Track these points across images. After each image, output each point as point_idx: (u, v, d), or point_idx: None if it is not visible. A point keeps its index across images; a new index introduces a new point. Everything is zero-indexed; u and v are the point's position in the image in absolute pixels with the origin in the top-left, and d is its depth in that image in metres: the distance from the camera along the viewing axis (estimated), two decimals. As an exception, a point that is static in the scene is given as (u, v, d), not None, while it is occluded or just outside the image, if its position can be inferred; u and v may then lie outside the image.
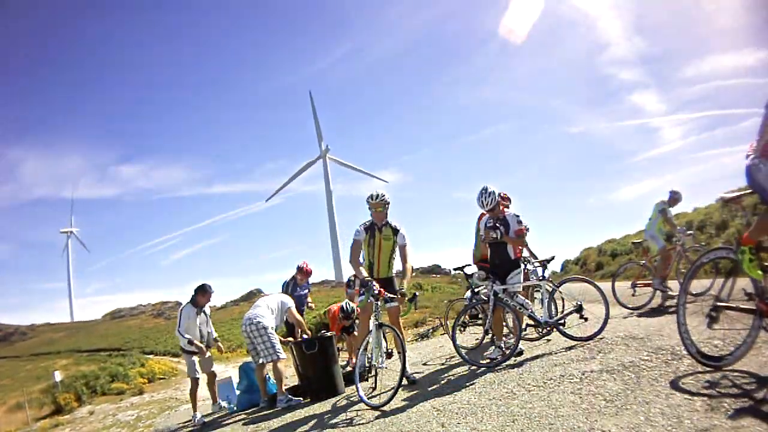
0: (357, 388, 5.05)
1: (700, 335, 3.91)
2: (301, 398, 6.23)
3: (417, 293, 5.41)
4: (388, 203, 5.61)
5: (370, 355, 5.30)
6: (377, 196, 5.56)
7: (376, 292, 5.09)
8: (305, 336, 6.82)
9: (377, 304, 5.14)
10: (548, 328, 5.95)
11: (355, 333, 7.17)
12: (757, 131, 3.26)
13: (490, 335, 5.90)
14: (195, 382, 7.00)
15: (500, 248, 5.79)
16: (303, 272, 7.98)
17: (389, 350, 5.23)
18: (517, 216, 5.94)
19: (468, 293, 6.83)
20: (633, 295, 7.94)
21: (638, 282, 8.18)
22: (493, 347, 5.75)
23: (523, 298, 5.78)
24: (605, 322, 5.61)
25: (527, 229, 6.97)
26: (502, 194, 6.25)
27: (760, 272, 3.27)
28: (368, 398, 4.93)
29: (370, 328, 5.20)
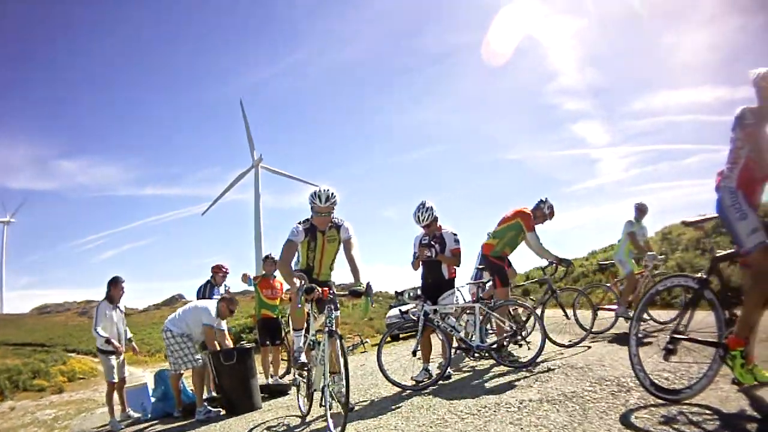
0: (300, 406, 4.65)
1: (654, 367, 3.60)
2: (220, 410, 5.86)
3: (370, 282, 4.33)
4: (337, 204, 4.59)
5: (308, 369, 4.60)
6: (326, 197, 4.46)
7: (320, 291, 4.16)
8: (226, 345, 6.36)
9: (330, 308, 4.14)
10: (480, 354, 5.54)
11: (287, 342, 6.54)
12: (727, 159, 3.15)
13: (417, 356, 5.48)
14: (112, 386, 6.54)
15: (434, 267, 5.60)
16: (221, 272, 7.55)
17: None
18: (455, 235, 5.65)
19: (391, 312, 6.49)
20: (595, 318, 7.37)
21: (600, 306, 7.73)
22: (421, 369, 5.47)
23: (455, 320, 5.49)
24: (541, 349, 5.29)
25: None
26: None
27: (753, 378, 3.00)
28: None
29: (312, 337, 4.56)
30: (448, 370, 5.36)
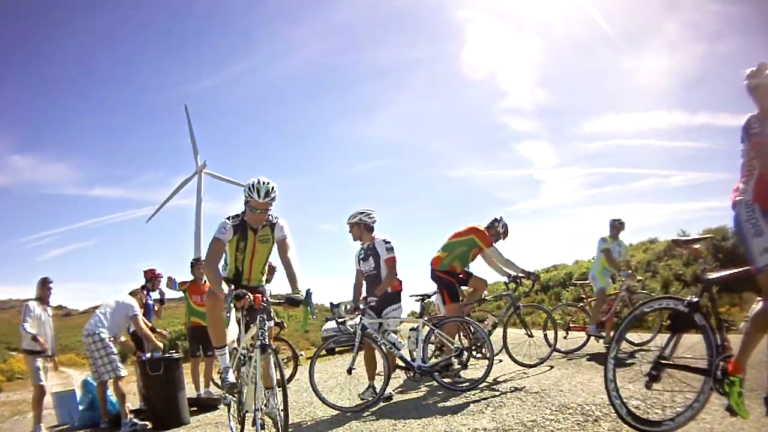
0: (231, 427, 4.04)
1: (630, 394, 3.25)
2: (147, 423, 5.39)
3: (310, 289, 3.82)
4: (276, 201, 3.92)
5: (242, 396, 3.85)
6: (266, 191, 3.79)
7: (251, 298, 3.51)
8: (156, 353, 5.89)
9: (263, 318, 3.52)
10: (419, 374, 5.07)
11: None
12: (740, 173, 2.96)
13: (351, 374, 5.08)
14: (39, 390, 5.90)
15: (376, 281, 5.16)
16: (154, 277, 7.05)
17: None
18: (387, 243, 5.19)
19: (327, 324, 5.92)
20: (565, 338, 7.04)
21: (572, 324, 7.30)
22: (367, 387, 5.10)
23: (396, 336, 5.02)
24: (488, 370, 4.93)
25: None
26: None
27: (747, 411, 2.77)
28: None
29: (243, 352, 3.89)
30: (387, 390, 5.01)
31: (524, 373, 5.62)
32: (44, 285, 6.10)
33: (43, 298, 6.07)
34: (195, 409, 5.84)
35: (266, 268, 4.28)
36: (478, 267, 7.08)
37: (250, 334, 3.74)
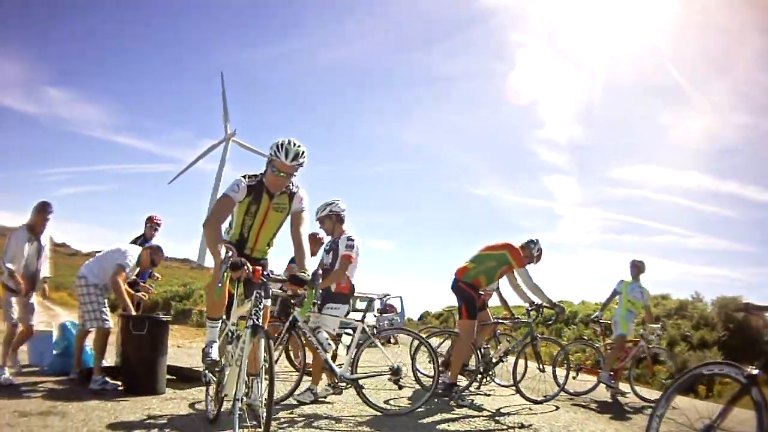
0: (207, 407, 3.75)
1: None
2: (118, 384, 4.94)
3: (318, 270, 3.49)
4: (303, 167, 3.53)
5: (223, 377, 3.52)
6: (295, 153, 3.40)
7: (250, 270, 3.11)
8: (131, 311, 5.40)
9: (260, 294, 3.14)
10: (345, 385, 4.74)
11: None
12: None
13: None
14: (11, 330, 5.33)
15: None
16: (153, 224, 6.65)
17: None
18: (350, 239, 4.88)
19: None
20: (574, 378, 6.70)
21: (583, 366, 6.97)
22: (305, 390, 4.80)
23: (327, 337, 4.60)
24: (432, 392, 4.56)
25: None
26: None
27: None
28: None
29: (233, 327, 3.56)
30: (313, 392, 4.78)
31: (530, 408, 5.30)
32: (41, 212, 5.35)
33: (34, 226, 5.34)
34: (174, 378, 5.45)
35: (274, 241, 3.89)
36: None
37: (243, 309, 3.39)
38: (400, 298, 16.28)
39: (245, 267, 3.02)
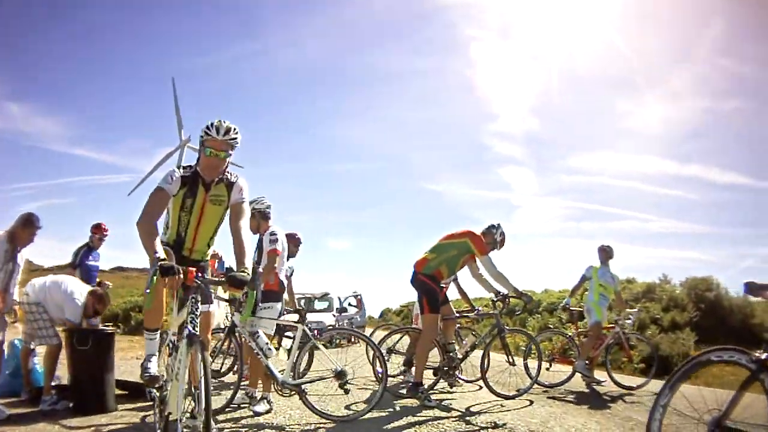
0: (155, 426, 3.22)
1: None
2: (69, 403, 4.66)
3: (259, 268, 3.07)
4: (237, 144, 3.21)
5: (165, 392, 3.12)
6: (226, 128, 3.12)
7: (183, 273, 2.66)
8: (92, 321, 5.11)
9: (194, 299, 2.74)
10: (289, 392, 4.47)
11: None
12: None
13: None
14: None
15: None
16: (100, 231, 6.50)
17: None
18: (273, 234, 4.65)
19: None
20: (548, 369, 6.42)
21: (557, 356, 6.65)
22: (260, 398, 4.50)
23: (267, 340, 4.31)
24: (380, 397, 4.20)
25: None
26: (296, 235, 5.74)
27: None
28: None
29: (173, 338, 3.10)
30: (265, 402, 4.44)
31: (501, 405, 4.98)
32: (28, 225, 4.78)
33: (15, 238, 4.75)
34: (126, 393, 5.08)
35: (214, 239, 3.51)
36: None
37: (182, 317, 2.93)
38: (360, 296, 15.97)
39: (176, 272, 2.60)
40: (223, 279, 2.84)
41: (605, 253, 6.71)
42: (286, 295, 5.42)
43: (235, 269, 2.90)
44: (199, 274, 2.76)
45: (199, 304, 2.75)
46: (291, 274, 6.21)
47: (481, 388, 5.38)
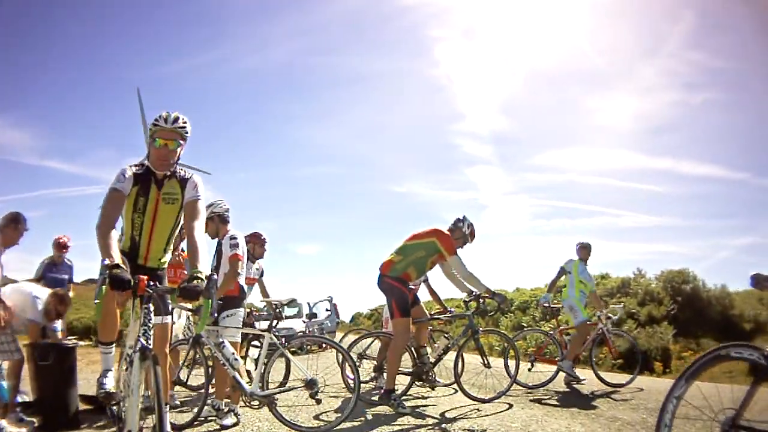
0: None
1: None
2: (34, 420, 4.41)
3: (215, 275, 2.70)
4: (187, 136, 3.00)
5: (123, 409, 2.73)
6: (174, 117, 2.95)
7: (134, 282, 2.42)
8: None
9: (147, 310, 2.47)
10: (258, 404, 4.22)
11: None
12: None
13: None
14: None
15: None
16: (58, 246, 6.23)
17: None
18: (233, 238, 4.37)
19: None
20: (529, 370, 6.11)
21: (539, 356, 6.36)
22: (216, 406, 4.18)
23: (233, 351, 4.07)
24: (354, 406, 3.88)
25: None
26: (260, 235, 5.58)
27: None
28: None
29: (130, 351, 2.70)
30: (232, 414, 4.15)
31: (479, 409, 4.63)
32: (15, 223, 4.58)
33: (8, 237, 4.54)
34: (91, 408, 4.77)
35: (171, 244, 3.21)
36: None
37: (136, 329, 2.61)
38: (330, 300, 15.60)
39: (128, 284, 2.35)
40: (173, 289, 2.48)
41: (586, 250, 6.49)
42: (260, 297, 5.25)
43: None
44: (152, 283, 2.44)
45: (152, 315, 2.47)
46: (261, 275, 5.89)
47: (456, 391, 5.05)
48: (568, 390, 5.79)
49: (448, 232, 4.93)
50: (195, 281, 2.43)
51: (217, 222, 4.48)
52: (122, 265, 2.43)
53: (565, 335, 6.34)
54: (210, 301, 2.46)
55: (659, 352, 8.74)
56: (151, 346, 2.41)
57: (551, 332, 6.55)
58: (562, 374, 5.93)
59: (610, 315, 6.20)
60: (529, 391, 5.65)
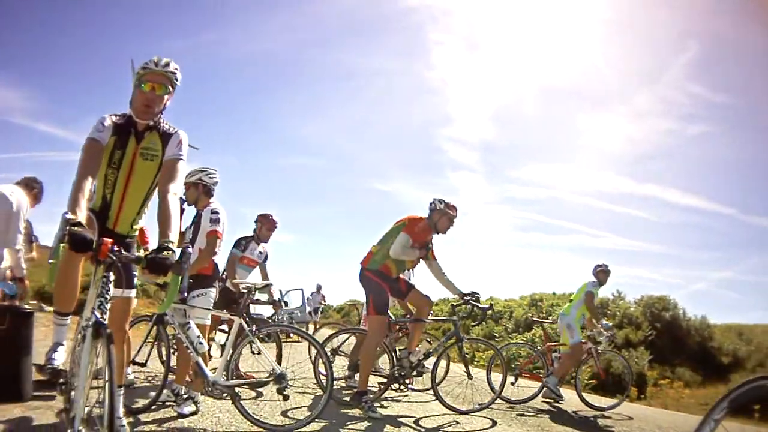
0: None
1: None
2: None
3: (188, 248, 2.41)
4: (176, 84, 2.66)
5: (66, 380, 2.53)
6: (165, 62, 2.61)
7: (97, 244, 2.02)
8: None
9: (106, 279, 2.10)
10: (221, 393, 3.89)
11: None
12: None
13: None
14: None
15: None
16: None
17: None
18: (215, 213, 4.00)
19: None
20: (513, 384, 5.81)
21: (524, 371, 6.14)
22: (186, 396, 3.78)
23: (199, 334, 3.71)
24: (323, 408, 3.52)
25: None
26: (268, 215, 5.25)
27: None
28: None
29: (86, 323, 2.28)
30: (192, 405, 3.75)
31: (456, 421, 4.30)
32: (30, 187, 4.35)
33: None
34: (43, 380, 4.17)
35: (146, 207, 2.80)
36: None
37: (93, 300, 2.25)
38: (302, 290, 15.20)
39: (90, 242, 1.96)
40: (139, 259, 2.11)
41: (605, 274, 6.19)
42: (259, 282, 4.85)
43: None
44: (116, 248, 2.06)
45: (110, 285, 2.11)
46: (265, 260, 5.37)
47: (434, 399, 4.70)
48: (552, 409, 5.50)
49: (421, 216, 4.60)
50: (165, 252, 2.08)
51: (201, 191, 4.11)
52: (83, 224, 2.03)
53: (552, 352, 6.06)
54: (180, 277, 2.13)
55: (634, 377, 8.58)
56: (106, 322, 2.07)
57: (538, 348, 6.28)
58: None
59: (603, 335, 5.91)
60: (510, 406, 5.34)
